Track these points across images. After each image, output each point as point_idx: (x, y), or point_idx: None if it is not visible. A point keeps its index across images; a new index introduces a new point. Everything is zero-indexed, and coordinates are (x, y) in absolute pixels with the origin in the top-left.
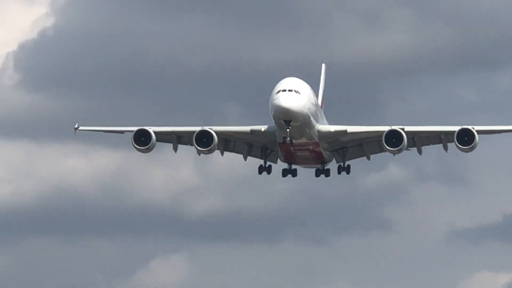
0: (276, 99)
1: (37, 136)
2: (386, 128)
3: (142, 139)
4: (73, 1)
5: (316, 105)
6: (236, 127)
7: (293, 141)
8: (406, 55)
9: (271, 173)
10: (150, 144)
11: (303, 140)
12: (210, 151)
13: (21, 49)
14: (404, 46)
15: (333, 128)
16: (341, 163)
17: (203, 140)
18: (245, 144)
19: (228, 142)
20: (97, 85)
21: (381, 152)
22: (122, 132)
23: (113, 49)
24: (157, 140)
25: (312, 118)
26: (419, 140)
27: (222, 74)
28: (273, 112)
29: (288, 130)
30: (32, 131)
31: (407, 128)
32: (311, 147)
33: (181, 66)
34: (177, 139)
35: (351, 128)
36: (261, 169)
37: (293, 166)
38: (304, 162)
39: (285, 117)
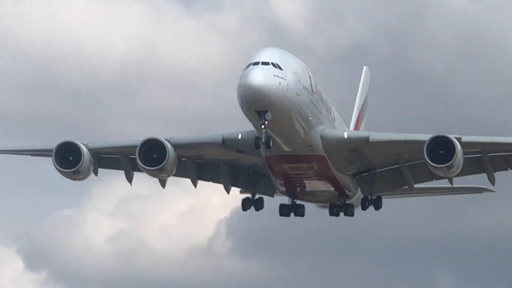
0: (243, 76)
1: None
2: (429, 136)
3: (70, 159)
4: None
5: (314, 93)
6: (204, 135)
7: (272, 146)
8: None
9: (263, 209)
10: (80, 165)
11: (297, 150)
12: (164, 172)
13: (233, 215)
14: None
15: (347, 134)
16: (368, 195)
17: (154, 157)
18: (225, 166)
19: (202, 166)
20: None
21: (432, 179)
22: (46, 152)
23: None
24: (101, 165)
25: (307, 113)
26: (489, 161)
27: None
28: (239, 99)
29: (263, 127)
30: None
31: (466, 138)
32: (314, 165)
33: None
34: (130, 163)
35: (375, 135)
36: (245, 204)
37: (299, 201)
38: (316, 196)
39: (256, 104)
